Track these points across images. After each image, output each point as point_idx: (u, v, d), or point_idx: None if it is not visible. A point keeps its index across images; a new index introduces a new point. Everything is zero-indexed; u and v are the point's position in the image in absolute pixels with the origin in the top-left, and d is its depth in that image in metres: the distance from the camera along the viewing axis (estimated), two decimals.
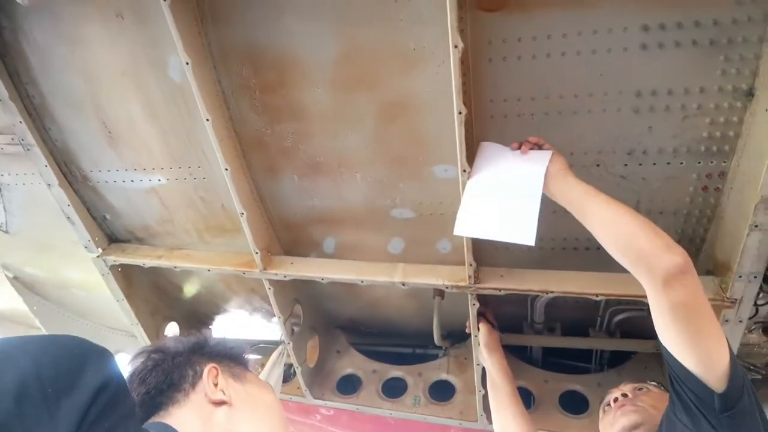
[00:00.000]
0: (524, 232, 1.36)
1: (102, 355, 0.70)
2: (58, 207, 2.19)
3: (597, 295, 1.65)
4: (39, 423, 0.57)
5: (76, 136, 2.02)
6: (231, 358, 1.13)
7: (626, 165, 1.60)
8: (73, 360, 0.65)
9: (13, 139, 2.04)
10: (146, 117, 1.89)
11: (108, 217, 2.28)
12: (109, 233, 2.34)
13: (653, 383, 1.56)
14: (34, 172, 2.15)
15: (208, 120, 1.68)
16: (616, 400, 1.49)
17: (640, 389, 1.54)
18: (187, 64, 1.57)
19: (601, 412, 1.56)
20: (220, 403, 0.99)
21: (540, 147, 1.46)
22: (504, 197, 1.43)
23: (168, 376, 1.00)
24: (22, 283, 2.88)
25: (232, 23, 1.64)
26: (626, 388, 1.55)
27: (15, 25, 1.77)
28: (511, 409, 1.75)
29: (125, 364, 1.02)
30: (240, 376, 1.10)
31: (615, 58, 1.43)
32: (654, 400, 1.48)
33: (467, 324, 1.95)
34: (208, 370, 1.03)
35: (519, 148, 1.47)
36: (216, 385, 1.02)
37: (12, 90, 1.89)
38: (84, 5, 1.64)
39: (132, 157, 2.02)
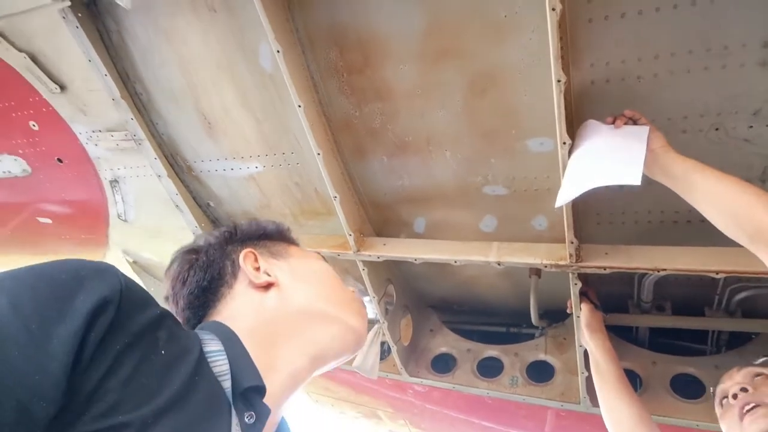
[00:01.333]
0: (629, 172, 1.24)
1: (97, 273, 0.61)
2: (167, 196, 2.36)
3: (717, 273, 1.50)
4: (30, 362, 0.52)
5: (179, 128, 2.15)
6: (267, 236, 1.03)
7: (751, 127, 1.42)
8: (58, 287, 0.58)
9: (126, 135, 2.22)
10: (240, 106, 1.96)
11: (211, 204, 2.42)
12: (213, 219, 2.49)
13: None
14: (145, 164, 2.33)
15: (300, 106, 1.71)
16: (735, 396, 1.36)
17: (758, 375, 1.40)
18: (278, 52, 1.61)
19: (717, 405, 1.44)
20: (266, 286, 0.90)
21: (635, 122, 1.36)
22: (605, 164, 1.33)
23: (206, 272, 0.92)
24: (140, 267, 3.16)
25: (316, 6, 1.65)
26: (742, 376, 1.41)
27: (121, 27, 1.90)
28: (620, 393, 1.66)
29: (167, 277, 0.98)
30: (281, 253, 1.00)
31: (737, 5, 1.26)
32: None
33: (568, 304, 1.86)
34: (244, 255, 0.93)
35: (614, 122, 1.37)
36: (257, 269, 0.93)
37: (123, 89, 2.04)
38: (178, 0, 1.72)
39: (230, 147, 2.12)
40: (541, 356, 2.30)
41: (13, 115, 2.37)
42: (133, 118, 2.06)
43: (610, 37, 1.40)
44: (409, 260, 1.98)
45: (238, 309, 0.88)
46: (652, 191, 1.64)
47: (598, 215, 1.77)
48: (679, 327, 1.98)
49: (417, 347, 2.56)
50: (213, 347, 0.75)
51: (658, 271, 1.57)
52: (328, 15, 1.66)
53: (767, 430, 1.25)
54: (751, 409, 1.31)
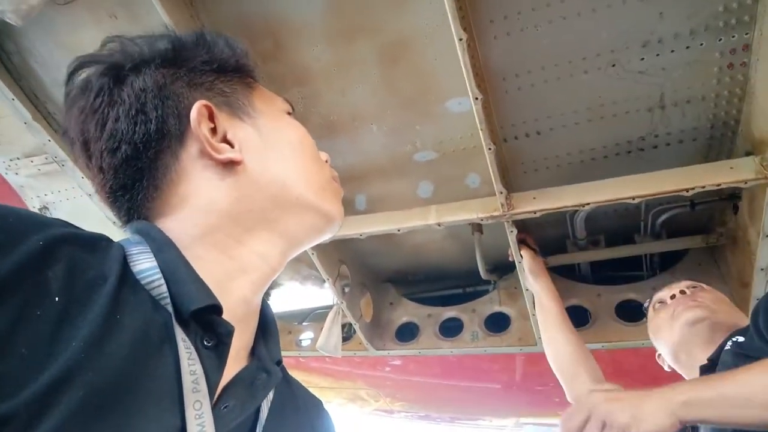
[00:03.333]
0: None
1: None
2: (102, 215, 2.30)
3: (634, 198, 1.61)
4: None
5: None
6: (222, 70, 0.72)
7: (643, 59, 1.53)
8: None
9: (47, 158, 2.14)
10: None
11: None
12: None
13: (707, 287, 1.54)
14: (73, 186, 2.26)
15: None
16: (673, 296, 1.48)
17: (695, 286, 1.52)
18: None
19: (650, 310, 1.56)
20: (228, 164, 0.66)
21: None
22: None
23: (137, 123, 0.64)
24: None
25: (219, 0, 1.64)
26: (681, 285, 1.53)
27: (21, 48, 1.83)
28: (560, 327, 1.77)
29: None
30: (244, 108, 0.72)
31: None
32: (713, 297, 1.47)
33: (509, 252, 1.96)
34: (198, 110, 0.65)
35: None
36: (213, 130, 0.67)
37: (34, 111, 1.96)
38: (75, 12, 1.68)
39: None
40: (496, 308, 2.40)
41: None
42: (51, 139, 1.99)
43: None
44: (355, 236, 2.02)
45: (190, 199, 0.65)
46: (568, 134, 1.75)
47: (523, 164, 1.86)
48: (614, 257, 2.11)
49: (380, 322, 2.62)
50: (145, 264, 0.57)
51: (583, 207, 1.67)
52: (232, 6, 1.65)
53: (700, 316, 1.36)
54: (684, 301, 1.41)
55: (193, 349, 0.55)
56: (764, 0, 1.33)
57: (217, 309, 0.58)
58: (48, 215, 2.33)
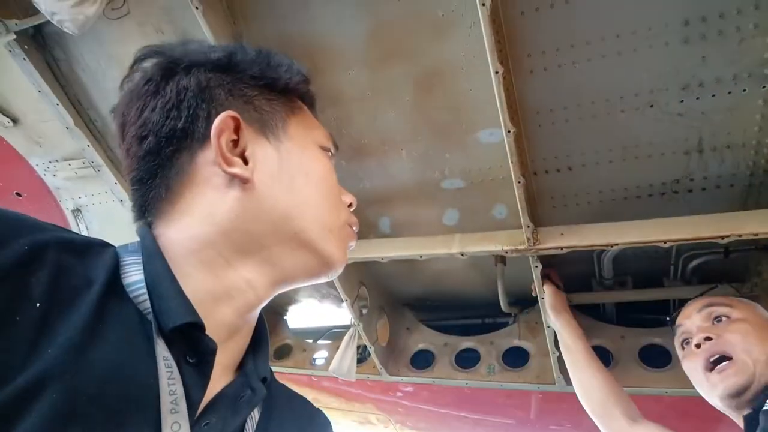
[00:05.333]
0: None
1: None
2: (131, 221, 2.35)
3: (665, 242, 1.57)
4: None
5: None
6: (270, 87, 0.73)
7: (682, 101, 1.51)
8: None
9: (84, 163, 2.21)
10: None
11: None
12: None
13: (726, 297, 1.45)
14: (106, 191, 2.32)
15: None
16: (698, 345, 1.39)
17: (718, 319, 1.39)
18: None
19: (678, 346, 1.48)
20: (236, 178, 0.65)
21: None
22: None
23: (168, 117, 0.65)
24: None
25: (262, 19, 1.68)
26: (702, 318, 1.41)
27: (69, 56, 1.91)
28: (589, 367, 1.72)
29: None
30: (274, 129, 0.70)
31: None
32: (742, 332, 1.31)
33: (532, 287, 1.92)
34: (223, 120, 0.65)
35: None
36: (235, 143, 0.66)
37: (76, 117, 2.03)
38: (124, 26, 1.74)
39: None
40: (516, 342, 2.35)
41: None
42: (89, 144, 2.06)
43: (542, 27, 1.46)
44: (377, 260, 2.01)
45: (195, 206, 0.65)
46: (600, 172, 1.72)
47: (552, 199, 1.84)
48: (641, 300, 2.06)
49: (395, 347, 2.59)
50: (134, 276, 0.57)
51: (611, 247, 1.64)
52: (274, 28, 1.69)
53: (738, 388, 1.23)
54: (719, 361, 1.28)
55: (174, 367, 0.54)
56: None
57: (197, 326, 0.57)
58: (80, 217, 2.39)
